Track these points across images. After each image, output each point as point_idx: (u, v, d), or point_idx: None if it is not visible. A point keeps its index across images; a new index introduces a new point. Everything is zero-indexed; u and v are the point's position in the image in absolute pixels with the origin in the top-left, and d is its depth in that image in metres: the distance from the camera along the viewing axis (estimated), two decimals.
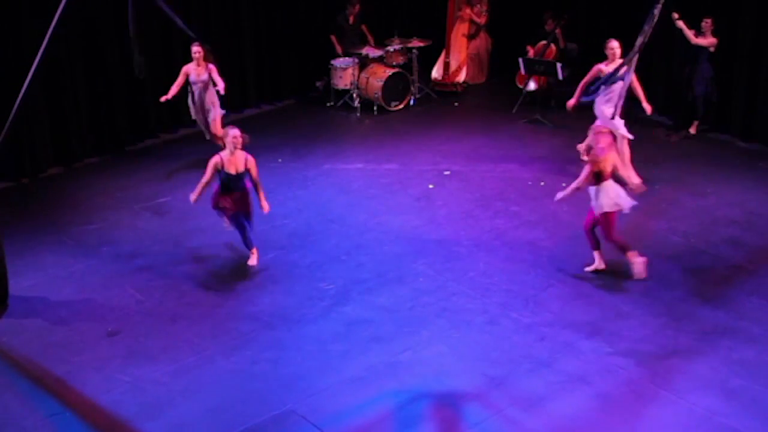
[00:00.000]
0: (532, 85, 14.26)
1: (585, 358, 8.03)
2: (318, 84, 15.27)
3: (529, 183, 11.63)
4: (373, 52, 14.55)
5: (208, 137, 12.17)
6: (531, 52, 14.33)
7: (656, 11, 10.00)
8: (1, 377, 7.95)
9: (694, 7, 12.65)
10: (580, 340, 8.29)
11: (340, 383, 7.76)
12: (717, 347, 8.17)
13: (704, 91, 12.64)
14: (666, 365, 7.94)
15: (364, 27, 14.85)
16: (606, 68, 11.04)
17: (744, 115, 12.84)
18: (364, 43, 14.78)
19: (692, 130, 13.01)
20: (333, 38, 14.61)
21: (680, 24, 12.49)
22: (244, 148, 9.32)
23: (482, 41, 15.58)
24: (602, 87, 10.95)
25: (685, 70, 12.73)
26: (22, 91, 8.58)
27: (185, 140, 13.49)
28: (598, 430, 7.21)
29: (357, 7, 14.58)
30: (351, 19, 14.64)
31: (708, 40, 12.43)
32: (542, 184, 11.58)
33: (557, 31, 14.03)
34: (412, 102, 14.68)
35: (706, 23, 12.38)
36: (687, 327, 8.48)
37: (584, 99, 11.23)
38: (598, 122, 10.79)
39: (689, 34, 12.44)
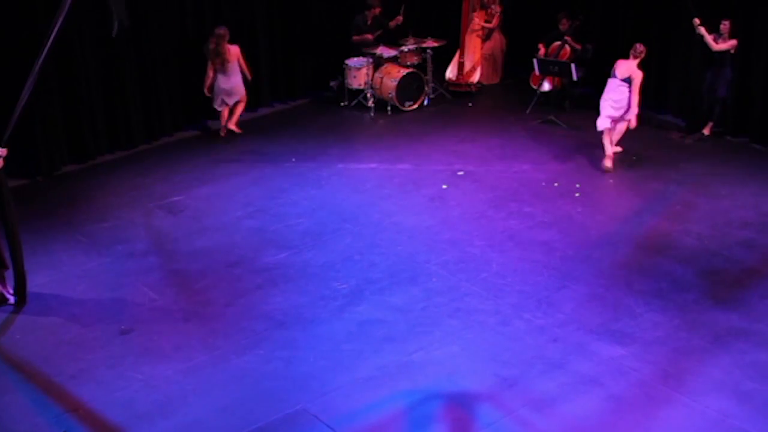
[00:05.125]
0: (546, 86, 14.23)
1: (597, 360, 8.02)
2: (332, 83, 15.27)
3: (543, 184, 11.61)
4: (388, 52, 14.54)
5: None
6: (542, 50, 14.31)
7: None
8: (15, 374, 7.99)
9: (712, 9, 12.58)
10: (592, 342, 8.29)
11: (353, 383, 7.78)
12: (730, 350, 8.15)
13: (726, 93, 12.58)
14: (679, 367, 7.93)
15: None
16: None
17: (761, 117, 12.78)
18: (379, 42, 14.77)
19: (706, 132, 12.97)
20: (355, 38, 14.60)
21: (701, 30, 12.36)
22: None
23: (497, 42, 15.55)
24: None
25: (707, 74, 12.63)
26: (27, 89, 8.60)
27: (199, 138, 13.53)
28: (610, 431, 7.21)
29: (378, 9, 14.58)
30: (369, 21, 14.64)
31: (728, 44, 12.33)
32: (556, 185, 11.56)
33: (570, 32, 14.00)
34: (426, 102, 14.67)
35: (725, 26, 12.28)
36: (700, 329, 8.47)
37: None
38: None
39: (710, 40, 12.33)
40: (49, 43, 8.51)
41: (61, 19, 8.43)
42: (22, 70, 11.00)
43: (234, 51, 12.94)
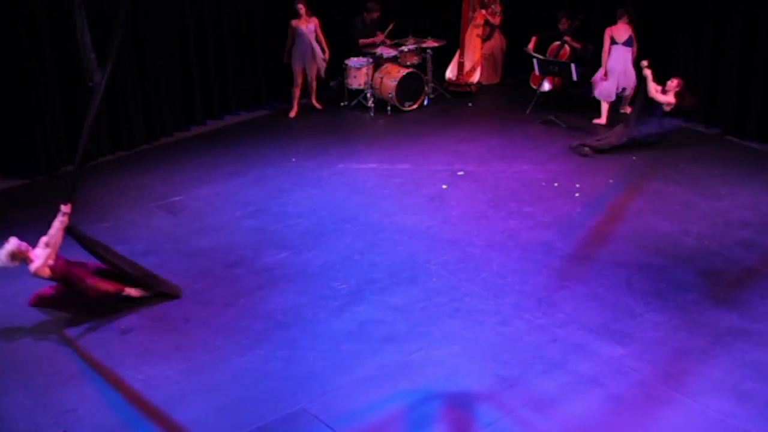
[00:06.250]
0: (546, 86, 14.23)
1: (597, 360, 8.02)
2: (332, 83, 15.28)
3: (543, 184, 11.61)
4: (387, 52, 14.54)
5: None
6: (532, 43, 14.35)
7: None
8: (15, 374, 7.99)
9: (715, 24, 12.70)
10: (592, 342, 8.29)
11: (353, 383, 7.78)
12: (730, 350, 8.15)
13: (644, 135, 12.45)
14: (679, 367, 7.93)
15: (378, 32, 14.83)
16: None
17: (760, 117, 12.78)
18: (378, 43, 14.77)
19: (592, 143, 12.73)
20: (363, 41, 14.61)
21: (647, 72, 12.24)
22: None
23: (497, 42, 15.55)
24: None
25: (640, 101, 12.52)
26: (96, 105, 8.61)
27: (198, 138, 13.53)
28: (610, 431, 7.21)
29: (377, 14, 14.58)
30: (368, 22, 14.64)
31: (665, 99, 12.16)
32: (556, 185, 11.56)
33: (569, 32, 14.00)
34: (426, 102, 14.67)
35: (671, 84, 12.16)
36: (700, 329, 8.47)
37: None
38: None
39: (651, 84, 12.17)
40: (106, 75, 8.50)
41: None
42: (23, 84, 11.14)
43: (291, 29, 13.80)
